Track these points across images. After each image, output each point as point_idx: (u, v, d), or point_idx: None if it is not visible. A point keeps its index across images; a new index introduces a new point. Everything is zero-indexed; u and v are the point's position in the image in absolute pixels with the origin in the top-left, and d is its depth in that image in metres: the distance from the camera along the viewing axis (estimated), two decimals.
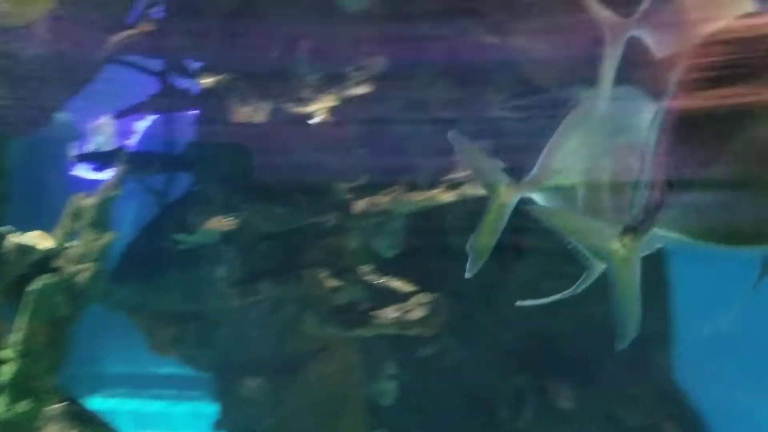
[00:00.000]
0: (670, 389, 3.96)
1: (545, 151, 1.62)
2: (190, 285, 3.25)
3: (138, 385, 6.50)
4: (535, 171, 1.62)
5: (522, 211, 3.76)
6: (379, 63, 2.72)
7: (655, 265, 3.97)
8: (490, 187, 1.61)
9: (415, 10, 3.03)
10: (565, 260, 3.86)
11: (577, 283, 1.71)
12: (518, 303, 1.90)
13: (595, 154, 1.54)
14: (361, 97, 2.72)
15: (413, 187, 2.90)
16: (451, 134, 1.75)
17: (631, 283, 1.31)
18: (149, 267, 3.25)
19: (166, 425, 6.04)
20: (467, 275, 1.72)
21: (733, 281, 3.81)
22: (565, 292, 1.71)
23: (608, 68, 1.47)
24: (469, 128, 3.58)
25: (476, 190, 2.95)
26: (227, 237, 2.95)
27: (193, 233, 2.84)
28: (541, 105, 3.21)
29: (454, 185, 2.91)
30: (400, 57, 3.05)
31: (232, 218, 2.72)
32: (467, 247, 1.71)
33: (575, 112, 1.58)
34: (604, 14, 1.47)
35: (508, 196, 1.62)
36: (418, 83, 3.06)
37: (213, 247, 3.08)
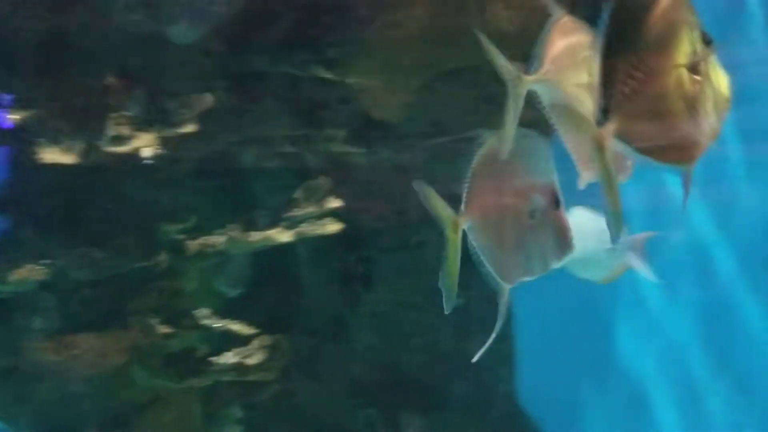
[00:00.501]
0: (514, 413, 4.10)
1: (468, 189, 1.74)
2: (6, 338, 2.96)
3: None
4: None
5: (368, 241, 3.79)
6: (207, 99, 2.61)
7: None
8: (445, 222, 1.64)
9: (250, 43, 2.96)
10: (413, 290, 3.93)
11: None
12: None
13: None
14: (190, 134, 2.60)
15: (250, 225, 2.80)
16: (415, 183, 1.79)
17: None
18: None
19: None
20: (446, 312, 1.73)
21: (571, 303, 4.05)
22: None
23: (510, 118, 1.58)
24: (310, 163, 3.57)
25: (314, 229, 2.92)
26: (45, 285, 2.71)
27: (4, 282, 2.58)
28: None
29: (292, 224, 2.85)
30: (235, 91, 2.96)
31: (45, 266, 2.48)
32: (439, 285, 1.72)
33: (482, 154, 1.72)
34: (508, 68, 1.56)
35: (456, 228, 1.65)
36: (253, 118, 2.98)
37: (29, 296, 2.82)
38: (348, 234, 3.53)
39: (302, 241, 3.54)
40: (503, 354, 4.01)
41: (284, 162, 3.12)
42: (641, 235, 2.57)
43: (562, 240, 1.71)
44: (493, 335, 1.74)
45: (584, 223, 2.27)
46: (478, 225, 1.72)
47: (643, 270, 2.57)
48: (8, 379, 2.98)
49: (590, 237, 2.30)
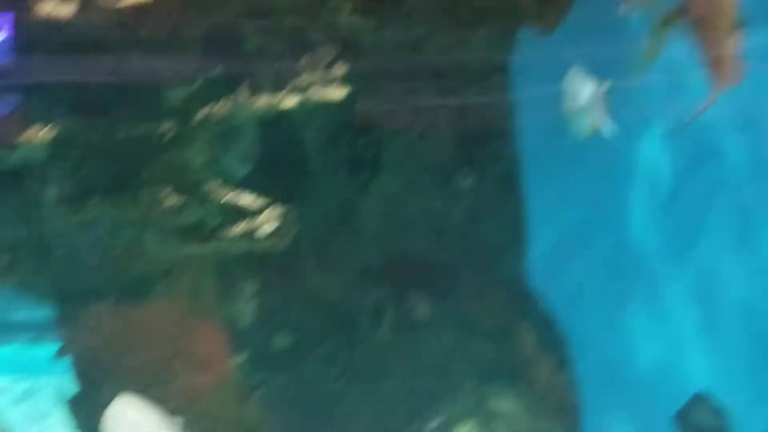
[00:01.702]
0: (522, 294, 4.17)
1: None
2: (20, 208, 3.01)
3: None
4: None
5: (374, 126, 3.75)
6: None
7: (507, 173, 4.12)
8: None
9: None
10: (424, 172, 3.92)
11: None
12: None
13: None
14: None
15: (255, 92, 2.77)
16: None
17: None
18: None
19: (22, 369, 5.81)
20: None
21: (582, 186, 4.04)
22: None
23: None
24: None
25: (323, 94, 2.89)
26: (54, 155, 2.72)
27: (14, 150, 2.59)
28: None
29: (298, 90, 2.81)
30: None
31: (50, 128, 2.48)
32: None
33: None
34: None
35: None
36: None
37: (40, 166, 2.84)
38: (356, 117, 3.52)
39: (310, 123, 3.53)
40: (513, 235, 4.05)
41: (289, 34, 3.07)
42: (600, 88, 2.55)
43: None
44: None
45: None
46: None
47: (603, 122, 2.56)
48: (24, 248, 3.05)
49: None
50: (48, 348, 6.13)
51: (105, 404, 2.34)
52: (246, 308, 3.64)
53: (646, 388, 3.97)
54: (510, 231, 4.00)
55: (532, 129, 3.88)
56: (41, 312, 6.27)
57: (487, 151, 3.87)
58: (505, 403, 3.60)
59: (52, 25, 2.37)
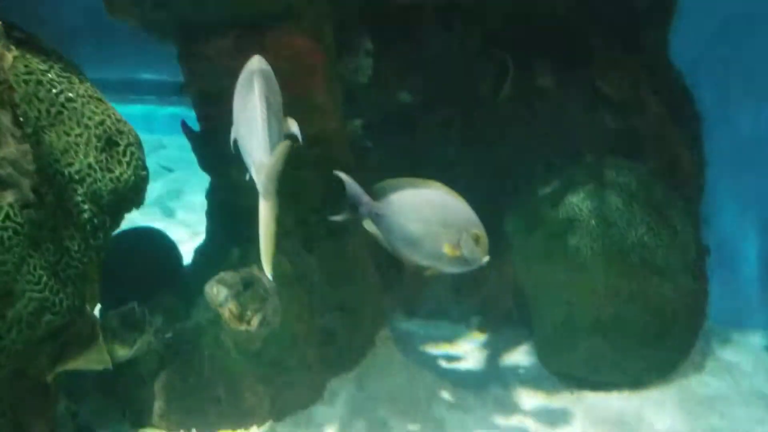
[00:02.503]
0: (660, 66, 3.86)
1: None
2: None
3: (119, 90, 6.52)
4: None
5: None
6: None
7: None
8: None
9: None
10: None
11: None
12: None
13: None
14: None
15: None
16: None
17: None
18: None
19: (149, 128, 6.15)
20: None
21: None
22: None
23: None
24: None
25: None
26: None
27: None
28: None
29: None
30: None
31: None
32: None
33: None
34: None
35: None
36: None
37: None
38: None
39: None
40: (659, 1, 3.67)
41: None
42: None
43: None
44: None
45: None
46: None
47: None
48: None
49: None
50: (172, 108, 6.51)
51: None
52: (365, 64, 3.56)
53: None
54: None
55: None
56: (166, 73, 6.60)
57: None
58: (625, 176, 3.46)
59: None
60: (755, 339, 3.64)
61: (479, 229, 2.27)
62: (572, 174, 3.51)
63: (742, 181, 3.76)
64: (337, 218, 2.41)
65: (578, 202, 3.35)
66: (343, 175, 2.33)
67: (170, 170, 5.83)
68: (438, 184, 2.30)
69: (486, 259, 2.29)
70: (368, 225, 2.37)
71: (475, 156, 3.85)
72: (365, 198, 2.33)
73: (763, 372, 3.40)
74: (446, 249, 2.27)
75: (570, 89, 3.75)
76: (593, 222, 3.30)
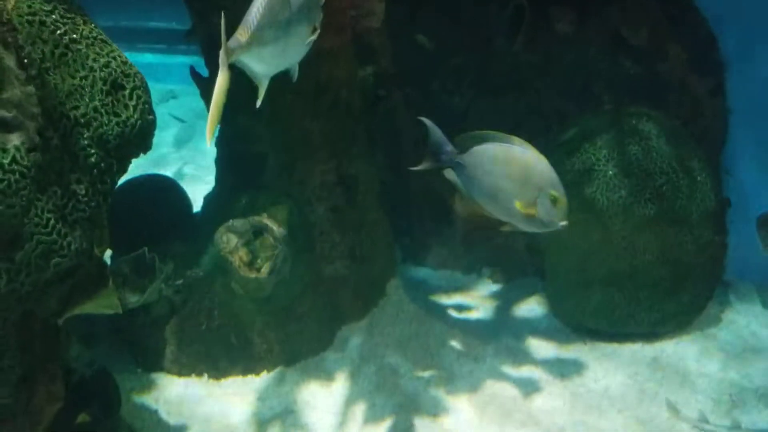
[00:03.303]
0: (685, 10, 3.72)
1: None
2: None
3: (130, 39, 6.44)
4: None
5: None
6: None
7: None
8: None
9: None
10: None
11: None
12: None
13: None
14: None
15: None
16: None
17: None
18: None
19: (160, 78, 6.08)
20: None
21: None
22: None
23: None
24: None
25: None
26: None
27: None
28: None
29: None
30: None
31: None
32: None
33: None
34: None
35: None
36: None
37: None
38: None
39: None
40: None
41: None
42: None
43: None
44: None
45: None
46: None
47: None
48: None
49: None
50: (183, 57, 6.43)
51: None
52: (378, 8, 3.46)
53: None
54: None
55: None
56: (176, 22, 6.49)
57: None
58: (644, 125, 3.37)
59: None
60: None
61: (558, 191, 2.20)
62: (590, 122, 3.42)
63: (766, 131, 3.65)
64: (419, 168, 2.36)
65: (595, 151, 3.27)
66: (427, 121, 2.28)
67: (182, 121, 5.78)
68: (521, 141, 2.26)
69: (563, 223, 2.23)
70: (449, 174, 2.34)
71: (489, 106, 3.77)
72: (448, 147, 2.29)
73: None
74: (519, 206, 2.23)
75: (589, 35, 3.64)
76: (610, 172, 3.23)
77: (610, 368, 3.07)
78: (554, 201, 2.21)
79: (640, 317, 3.21)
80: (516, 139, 2.26)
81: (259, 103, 2.03)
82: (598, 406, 2.87)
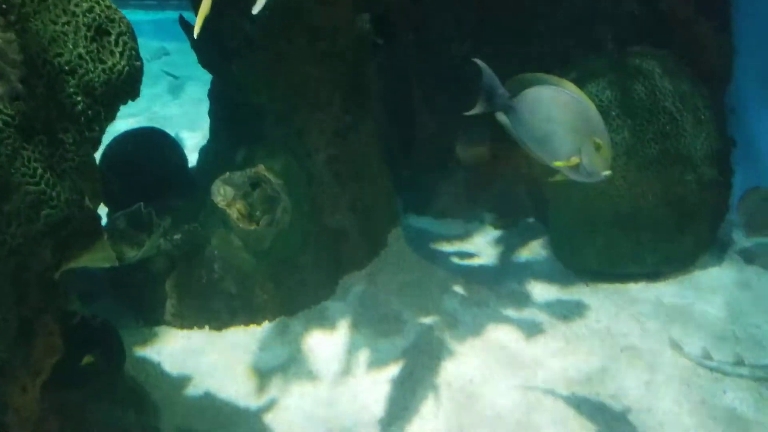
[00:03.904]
0: None
1: None
2: None
3: None
4: None
5: None
6: None
7: None
8: None
9: None
10: None
11: None
12: None
13: None
14: None
15: None
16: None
17: None
18: None
19: (152, 35, 5.99)
20: None
21: None
22: None
23: None
24: None
25: None
26: None
27: None
28: None
29: None
30: None
31: None
32: None
33: None
34: None
35: None
36: None
37: None
38: None
39: None
40: None
41: None
42: None
43: None
44: None
45: None
46: None
47: None
48: None
49: None
50: (175, 13, 6.33)
51: None
52: None
53: None
54: None
55: None
56: None
57: None
58: (648, 64, 3.29)
59: None
60: None
61: (603, 138, 2.12)
62: (593, 64, 3.34)
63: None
64: (473, 112, 2.31)
65: (598, 92, 3.20)
66: (480, 63, 2.22)
67: (175, 77, 5.70)
68: (572, 86, 2.20)
69: (606, 173, 2.13)
70: (500, 117, 2.30)
71: (489, 51, 3.68)
72: (501, 90, 2.23)
73: None
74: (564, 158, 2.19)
75: None
76: (613, 112, 3.16)
77: (612, 309, 3.05)
78: (597, 149, 2.16)
79: (642, 258, 3.18)
80: (568, 83, 2.21)
81: (256, 10, 1.95)
82: (600, 347, 2.87)
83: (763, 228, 3.17)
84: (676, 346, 2.85)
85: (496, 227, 3.67)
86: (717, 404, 2.57)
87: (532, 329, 2.96)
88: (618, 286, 3.18)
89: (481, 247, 3.54)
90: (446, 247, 3.56)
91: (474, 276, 3.31)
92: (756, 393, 2.60)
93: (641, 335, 2.91)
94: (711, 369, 2.73)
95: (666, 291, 3.15)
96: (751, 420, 2.50)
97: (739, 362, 2.74)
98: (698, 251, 3.30)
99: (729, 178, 3.39)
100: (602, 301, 3.11)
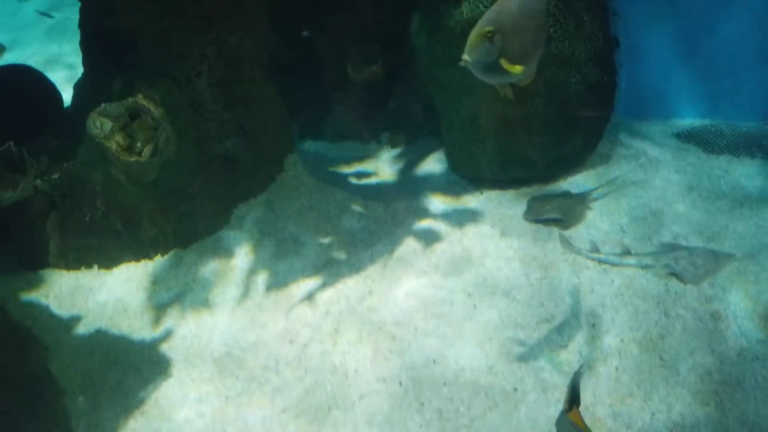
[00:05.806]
0: None
1: None
2: None
3: None
4: None
5: None
6: None
7: None
8: None
9: None
10: None
11: None
12: None
13: None
14: None
15: None
16: None
17: None
18: None
19: None
20: None
21: None
22: None
23: None
24: None
25: None
26: None
27: None
28: None
29: None
30: None
31: None
32: None
33: None
34: None
35: None
36: None
37: None
38: None
39: None
40: None
41: None
42: None
43: None
44: None
45: None
46: None
47: None
48: None
49: None
50: None
51: None
52: None
53: None
54: None
55: None
56: None
57: None
58: None
59: None
60: (660, 128, 3.64)
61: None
62: None
63: None
64: None
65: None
66: None
67: (50, 16, 5.32)
68: None
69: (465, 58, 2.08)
70: None
71: None
72: None
73: (670, 158, 3.44)
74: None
75: None
76: None
77: (507, 213, 3.11)
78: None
79: (533, 162, 3.22)
80: None
81: None
82: (495, 249, 2.92)
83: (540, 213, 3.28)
84: (566, 242, 2.93)
85: (393, 146, 3.65)
86: (605, 292, 2.67)
87: (429, 238, 2.98)
88: (511, 191, 3.22)
89: (379, 166, 3.51)
90: (344, 169, 3.51)
91: (372, 195, 3.29)
92: (643, 279, 2.73)
93: (533, 236, 2.96)
94: (600, 261, 2.84)
95: (557, 191, 3.20)
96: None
97: (626, 252, 2.84)
98: (587, 151, 3.36)
99: (613, 78, 3.45)
100: (497, 207, 3.15)
